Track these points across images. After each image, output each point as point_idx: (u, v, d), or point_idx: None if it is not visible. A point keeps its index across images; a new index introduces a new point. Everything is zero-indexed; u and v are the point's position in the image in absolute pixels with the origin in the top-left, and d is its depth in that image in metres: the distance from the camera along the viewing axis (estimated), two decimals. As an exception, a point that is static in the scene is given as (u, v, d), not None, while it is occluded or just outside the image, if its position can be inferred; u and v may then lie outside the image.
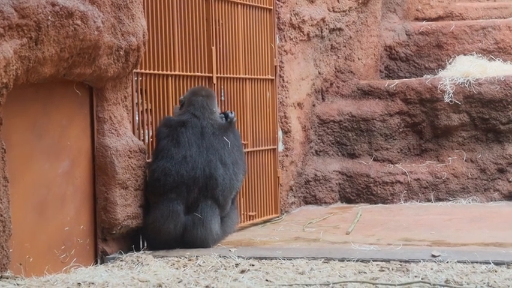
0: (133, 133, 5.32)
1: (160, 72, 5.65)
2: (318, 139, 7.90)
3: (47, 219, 4.64)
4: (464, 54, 8.57)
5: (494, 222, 6.34)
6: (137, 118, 5.42)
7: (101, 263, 4.99)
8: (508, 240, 5.39)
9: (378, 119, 7.81)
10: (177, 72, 5.80)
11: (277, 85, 7.05)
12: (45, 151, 4.65)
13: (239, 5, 6.54)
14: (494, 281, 4.10)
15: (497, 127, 7.59)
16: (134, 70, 5.28)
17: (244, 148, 6.32)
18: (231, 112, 5.59)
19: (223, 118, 5.52)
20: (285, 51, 7.22)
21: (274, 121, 6.98)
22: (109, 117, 5.07)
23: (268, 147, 6.90)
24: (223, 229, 5.43)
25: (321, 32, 7.75)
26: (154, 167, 5.25)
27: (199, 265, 4.72)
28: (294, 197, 7.50)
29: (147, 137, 5.54)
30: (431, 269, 4.43)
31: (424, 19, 9.27)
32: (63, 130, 4.81)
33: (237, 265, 4.70)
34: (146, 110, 5.58)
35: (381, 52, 8.79)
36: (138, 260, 4.80)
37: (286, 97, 7.26)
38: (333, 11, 7.88)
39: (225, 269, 4.59)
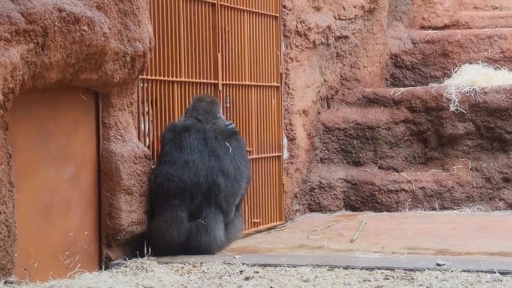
0: (139, 139, 5.32)
1: (166, 78, 5.66)
2: (323, 146, 7.90)
3: (51, 224, 4.64)
4: (470, 63, 8.57)
5: (499, 232, 6.33)
6: (143, 126, 5.42)
7: (105, 269, 4.99)
8: (513, 250, 5.38)
9: (383, 127, 7.81)
10: (183, 79, 5.81)
11: (282, 92, 7.06)
12: (51, 156, 4.66)
13: (245, 12, 6.55)
14: (500, 290, 4.10)
15: (503, 136, 7.58)
16: (140, 76, 5.29)
17: (249, 155, 6.32)
18: (230, 123, 5.58)
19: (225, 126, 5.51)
20: (290, 58, 7.22)
21: (280, 128, 6.98)
22: (115, 123, 5.08)
23: (273, 155, 6.90)
24: (227, 236, 5.42)
25: (327, 39, 7.75)
26: (157, 172, 5.26)
27: (204, 272, 4.72)
28: (299, 204, 7.50)
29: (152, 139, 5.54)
30: (436, 277, 4.42)
31: (430, 28, 9.28)
32: (69, 135, 4.81)
33: (241, 272, 4.69)
34: (153, 120, 5.59)
35: (386, 60, 8.79)
36: (142, 266, 4.80)
37: (291, 104, 7.26)
38: (339, 18, 7.89)
39: (229, 276, 4.59)
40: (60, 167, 4.73)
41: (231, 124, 5.54)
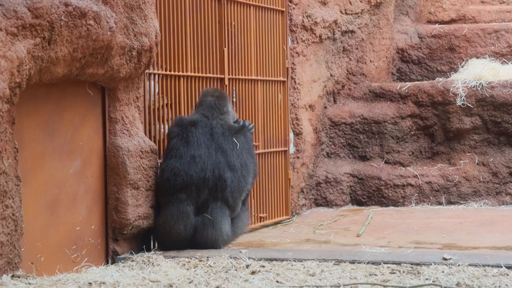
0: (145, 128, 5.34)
1: (172, 73, 5.66)
2: (329, 141, 7.89)
3: (58, 218, 4.65)
4: (477, 57, 8.55)
5: (505, 226, 6.32)
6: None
7: (111, 263, 5.00)
8: (519, 244, 5.38)
9: (389, 121, 7.80)
10: (189, 73, 5.81)
11: (288, 87, 7.05)
12: (57, 151, 4.67)
13: (251, 7, 6.54)
14: (506, 285, 4.09)
15: (510, 130, 7.56)
16: (146, 71, 5.29)
17: (256, 150, 6.32)
18: (250, 123, 5.59)
19: (240, 124, 5.51)
20: (297, 53, 7.22)
21: (286, 123, 6.98)
22: (121, 117, 5.08)
23: (280, 149, 6.90)
24: (233, 230, 5.43)
25: (333, 34, 7.74)
26: (163, 167, 5.27)
27: (210, 266, 4.72)
28: (305, 199, 7.50)
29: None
30: (443, 272, 4.42)
31: (436, 22, 9.25)
32: (75, 130, 4.82)
33: (247, 266, 4.70)
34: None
35: (393, 55, 8.78)
36: (149, 260, 4.81)
37: (297, 99, 7.26)
38: (345, 13, 7.88)
39: (236, 270, 4.59)
40: (66, 162, 4.74)
41: (250, 124, 5.55)
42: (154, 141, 5.46)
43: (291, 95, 7.14)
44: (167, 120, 5.62)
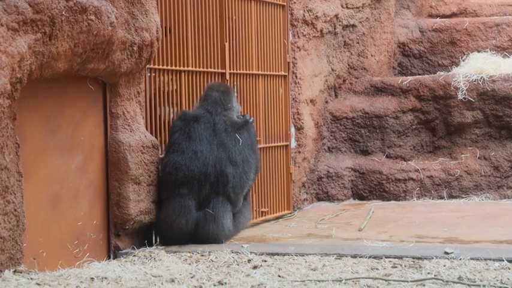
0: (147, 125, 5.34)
1: (173, 68, 5.66)
2: (331, 136, 7.89)
3: (60, 214, 4.66)
4: (478, 51, 8.53)
5: (507, 220, 6.32)
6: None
7: (113, 258, 5.01)
8: (521, 238, 5.38)
9: (390, 115, 7.79)
10: (190, 68, 5.81)
11: (290, 81, 7.05)
12: (59, 146, 4.67)
13: (252, 1, 6.54)
14: (508, 278, 4.09)
15: (511, 124, 7.55)
16: (147, 66, 5.29)
17: (257, 144, 6.31)
18: (250, 117, 5.59)
19: (242, 120, 5.51)
20: (298, 47, 7.21)
21: (287, 117, 6.97)
22: (122, 112, 5.08)
23: (281, 144, 6.90)
24: (235, 225, 5.43)
25: (334, 28, 7.74)
26: (165, 161, 5.27)
27: (212, 260, 4.73)
28: (307, 193, 7.50)
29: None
30: (444, 265, 4.42)
31: (437, 16, 9.24)
32: (77, 125, 4.82)
33: (249, 261, 4.70)
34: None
35: (394, 49, 8.77)
36: (150, 255, 4.81)
37: (299, 93, 7.25)
38: (346, 7, 7.87)
39: (238, 265, 4.60)
40: (68, 157, 4.74)
41: (251, 118, 5.56)
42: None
43: (292, 90, 7.14)
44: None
